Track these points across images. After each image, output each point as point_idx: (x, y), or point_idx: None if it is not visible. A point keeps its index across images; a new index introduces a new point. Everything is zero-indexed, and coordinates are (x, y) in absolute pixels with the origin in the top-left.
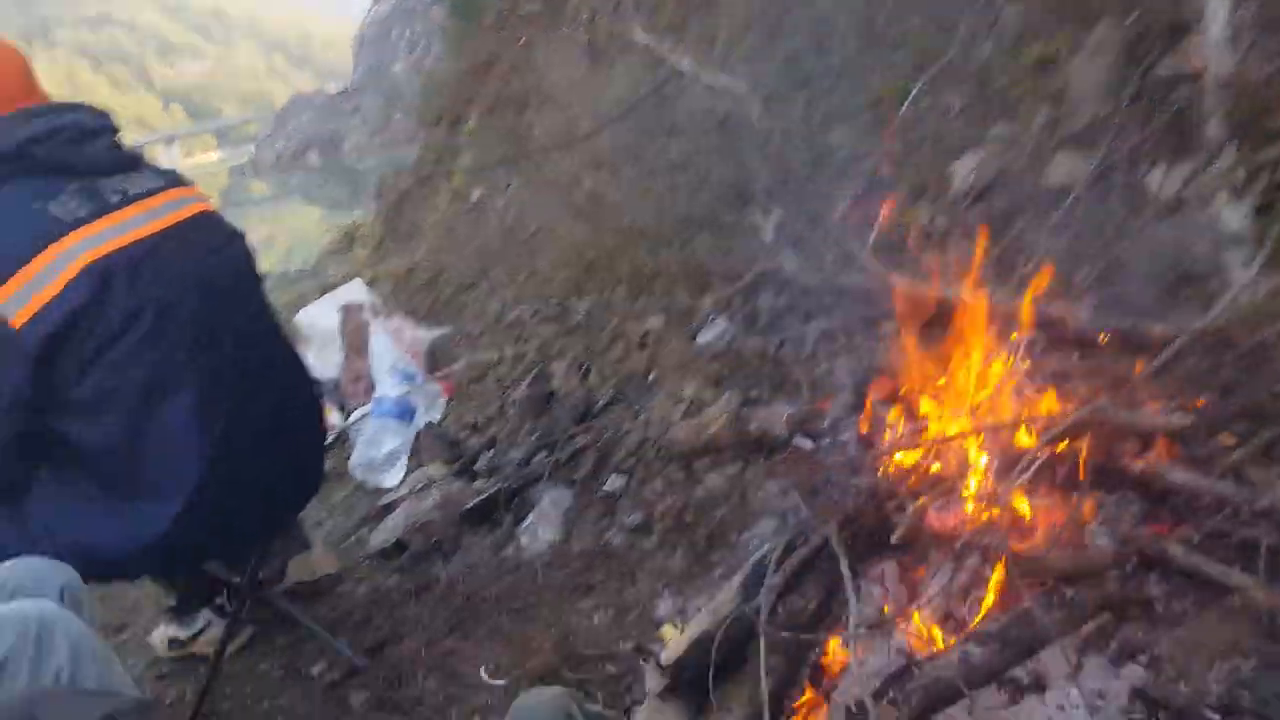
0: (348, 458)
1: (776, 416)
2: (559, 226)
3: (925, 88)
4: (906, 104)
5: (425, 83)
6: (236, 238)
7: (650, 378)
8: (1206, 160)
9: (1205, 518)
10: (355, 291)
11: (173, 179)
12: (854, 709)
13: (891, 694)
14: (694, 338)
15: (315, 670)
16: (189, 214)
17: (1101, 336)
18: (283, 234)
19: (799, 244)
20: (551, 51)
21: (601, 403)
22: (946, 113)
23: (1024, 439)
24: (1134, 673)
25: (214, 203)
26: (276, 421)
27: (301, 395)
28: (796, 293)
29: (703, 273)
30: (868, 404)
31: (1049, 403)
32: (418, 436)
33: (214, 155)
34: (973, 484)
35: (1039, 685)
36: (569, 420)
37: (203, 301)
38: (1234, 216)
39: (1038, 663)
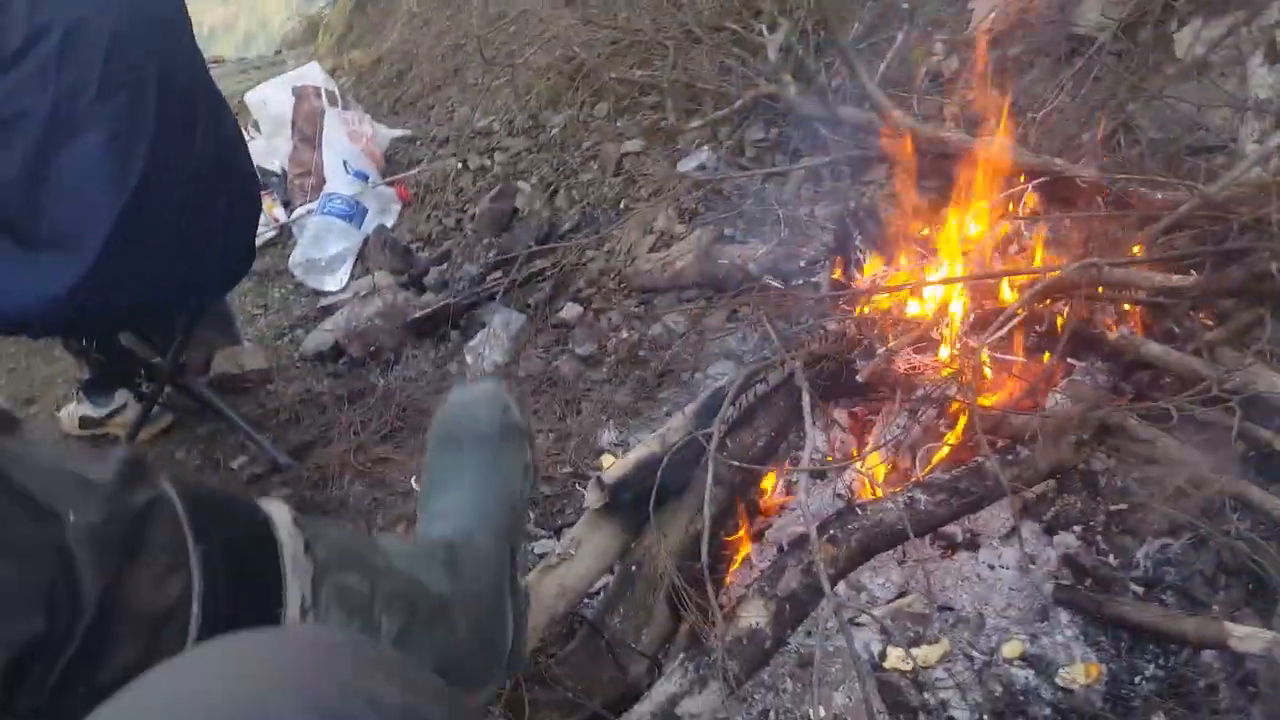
0: (288, 255)
1: (749, 255)
2: (545, 24)
3: None
4: None
5: None
6: None
7: (621, 205)
8: (1248, 17)
9: (1170, 396)
10: (311, 74)
11: None
12: (785, 547)
13: (832, 531)
14: (674, 165)
15: (236, 463)
16: None
17: (1102, 194)
18: (244, 19)
19: (802, 68)
20: None
21: (567, 226)
22: None
23: (1006, 294)
24: (1067, 541)
25: None
26: (203, 183)
27: (233, 159)
28: (790, 124)
29: (694, 92)
30: (848, 246)
31: (1037, 259)
32: (366, 241)
33: None
34: (947, 335)
35: (973, 544)
36: (530, 241)
37: (119, 30)
38: (1264, 81)
39: (974, 522)
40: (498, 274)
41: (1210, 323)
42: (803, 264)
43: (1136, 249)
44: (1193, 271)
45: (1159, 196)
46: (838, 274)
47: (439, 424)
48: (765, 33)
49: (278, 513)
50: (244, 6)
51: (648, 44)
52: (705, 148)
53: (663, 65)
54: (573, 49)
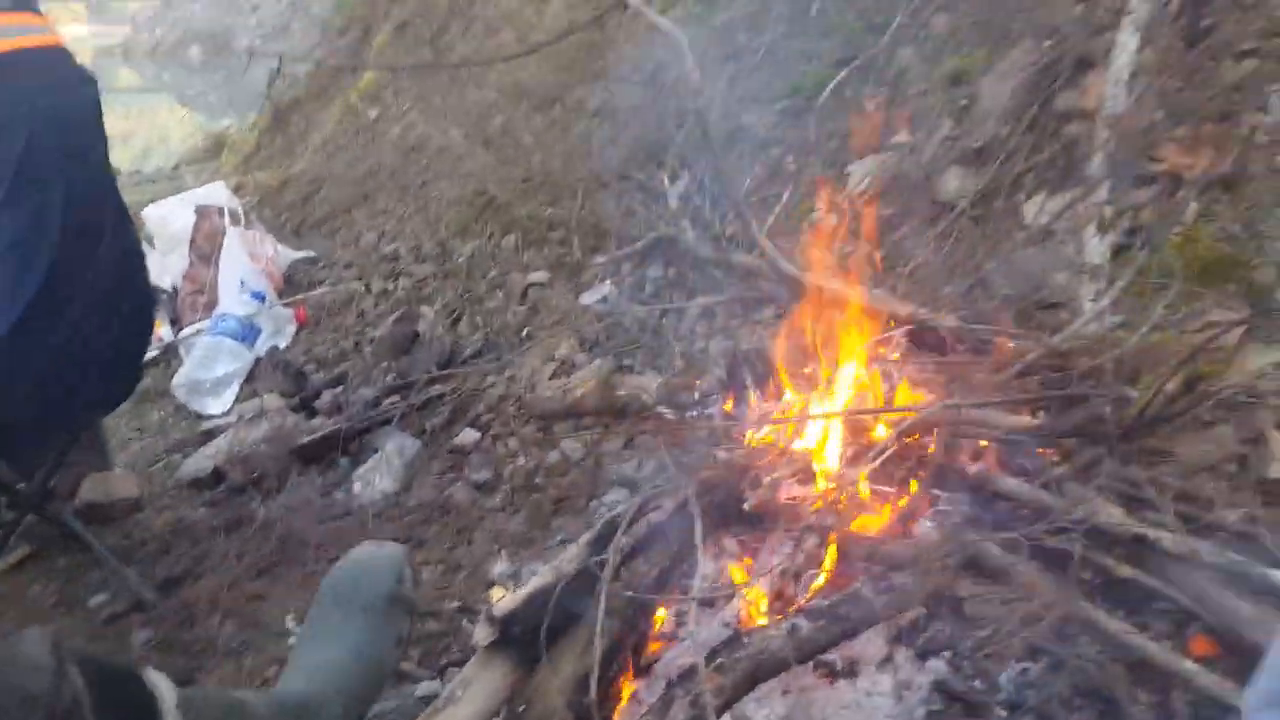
0: (171, 375)
1: (646, 385)
2: (460, 160)
3: (844, 82)
4: (824, 95)
5: None
6: (86, 83)
7: (524, 333)
8: (1082, 194)
9: (1024, 525)
10: (216, 194)
11: (24, 2)
12: (674, 680)
13: (720, 660)
14: (577, 297)
15: (96, 601)
16: (36, 44)
17: (959, 346)
18: (144, 132)
19: (699, 215)
20: None
21: (469, 352)
22: (858, 112)
23: (878, 430)
24: (938, 667)
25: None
26: (100, 300)
27: (133, 280)
28: (687, 265)
29: (599, 231)
30: (739, 381)
31: (905, 398)
32: (257, 362)
33: (83, 29)
34: (825, 467)
35: (852, 671)
36: (430, 365)
37: (32, 140)
38: (1096, 250)
39: (852, 649)
40: (395, 398)
41: (1057, 459)
42: (696, 396)
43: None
44: (1041, 413)
45: (1011, 345)
46: (729, 406)
47: (334, 578)
48: (667, 182)
49: (164, 692)
50: (144, 120)
51: (558, 184)
52: (608, 282)
53: (571, 205)
54: (485, 185)
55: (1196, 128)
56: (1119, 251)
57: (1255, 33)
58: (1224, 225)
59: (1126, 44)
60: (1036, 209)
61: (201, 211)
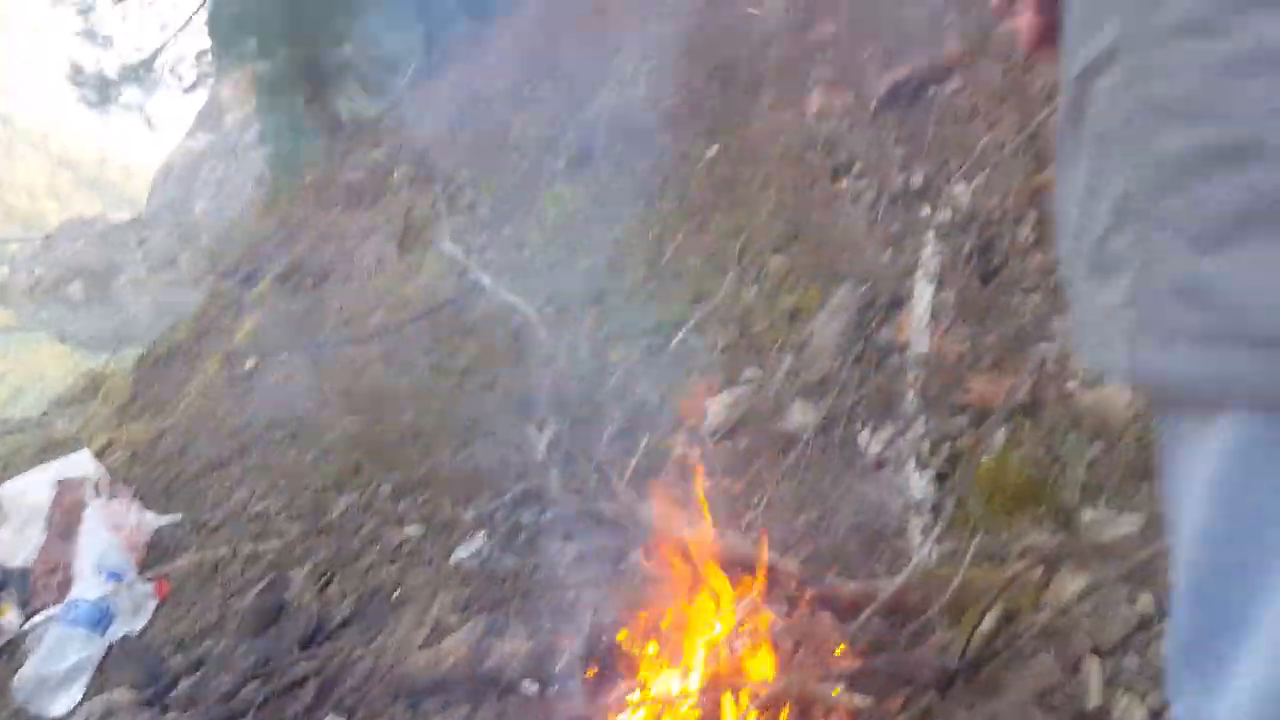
0: (15, 668)
1: (515, 652)
2: (334, 415)
3: (696, 323)
4: (679, 336)
5: (227, 230)
6: None
7: (396, 594)
8: (902, 428)
9: None
10: (80, 465)
11: None
12: None
13: None
14: (450, 552)
15: None
16: None
17: (806, 594)
18: (16, 373)
19: (566, 464)
20: (365, 230)
21: (337, 620)
22: (711, 349)
23: (732, 708)
24: None
25: None
26: None
27: None
28: (557, 514)
29: (472, 482)
30: (600, 649)
31: (759, 665)
32: (109, 650)
33: None
34: None
35: None
36: (294, 641)
37: None
38: (919, 484)
39: None
40: (255, 683)
41: (896, 708)
42: (563, 663)
43: (840, 648)
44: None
45: (852, 587)
46: (592, 674)
47: None
48: (535, 432)
49: None
50: (19, 360)
51: (430, 438)
52: (481, 533)
53: (443, 457)
54: (360, 438)
55: (998, 359)
56: (942, 479)
57: (1036, 269)
58: (1029, 451)
59: (923, 292)
60: (869, 438)
61: (62, 485)
